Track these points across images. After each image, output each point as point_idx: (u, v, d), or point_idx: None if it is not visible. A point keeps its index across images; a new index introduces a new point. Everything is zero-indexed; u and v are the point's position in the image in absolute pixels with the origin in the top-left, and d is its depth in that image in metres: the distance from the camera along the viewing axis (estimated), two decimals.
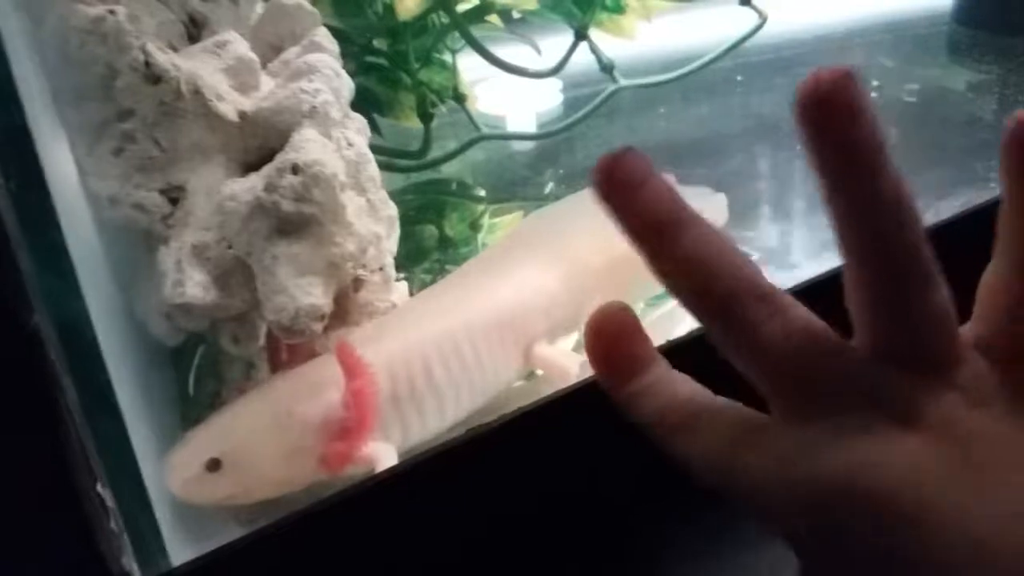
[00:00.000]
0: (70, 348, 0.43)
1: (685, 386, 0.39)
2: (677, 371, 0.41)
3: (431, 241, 0.93)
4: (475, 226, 0.94)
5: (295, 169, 0.52)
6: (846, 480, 0.32)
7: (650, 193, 0.36)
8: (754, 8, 0.97)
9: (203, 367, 0.68)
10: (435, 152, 0.97)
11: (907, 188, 0.33)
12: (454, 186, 1.01)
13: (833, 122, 0.32)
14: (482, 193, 1.01)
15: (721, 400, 0.38)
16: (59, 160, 0.53)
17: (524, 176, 1.04)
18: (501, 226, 0.96)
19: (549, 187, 1.00)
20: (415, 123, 0.94)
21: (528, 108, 1.08)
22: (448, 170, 1.01)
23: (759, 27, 0.96)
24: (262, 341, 0.61)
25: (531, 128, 1.07)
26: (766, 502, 0.34)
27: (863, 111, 0.32)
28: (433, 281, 0.86)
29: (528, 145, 1.07)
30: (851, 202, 0.33)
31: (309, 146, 0.53)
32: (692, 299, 0.36)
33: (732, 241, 0.36)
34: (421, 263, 0.88)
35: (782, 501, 0.34)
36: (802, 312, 0.35)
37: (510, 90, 1.06)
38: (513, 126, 1.08)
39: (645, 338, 0.41)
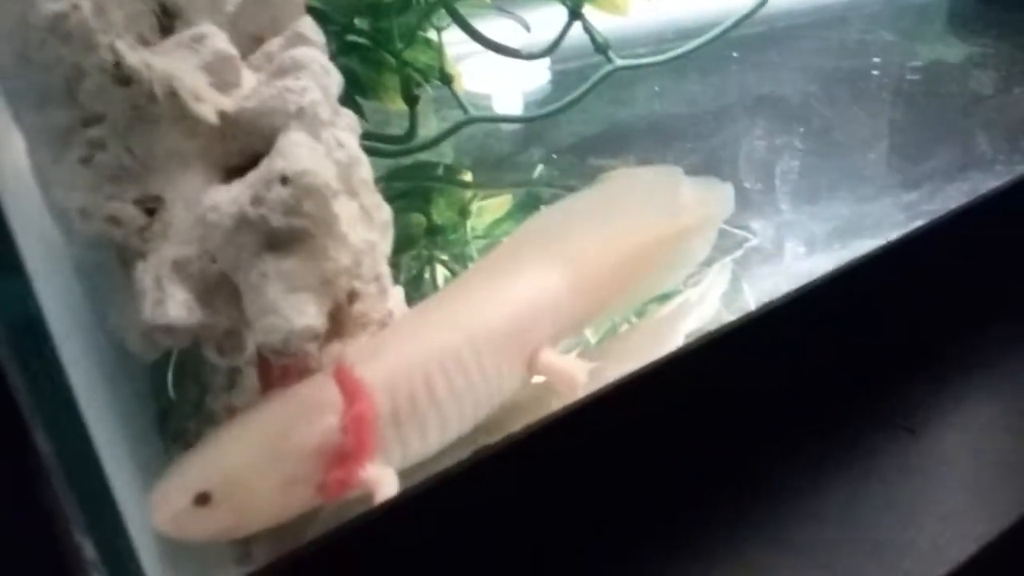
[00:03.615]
0: (36, 385, 0.39)
1: None
2: None
3: (418, 229, 0.89)
4: (463, 213, 0.91)
5: (284, 179, 0.48)
6: None
7: None
8: None
9: (183, 369, 0.64)
10: (418, 131, 0.93)
11: None
12: (440, 170, 0.97)
13: None
14: (468, 177, 0.97)
15: None
16: (12, 168, 0.48)
17: (510, 154, 1.00)
18: (489, 209, 0.92)
19: (538, 170, 0.96)
20: (399, 106, 0.90)
21: (515, 85, 1.03)
22: (431, 151, 0.96)
23: (761, 5, 0.92)
24: (250, 351, 0.58)
25: (518, 106, 1.03)
26: None
27: None
28: (421, 270, 0.83)
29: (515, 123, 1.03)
30: None
31: (298, 152, 0.49)
32: None
33: None
34: (408, 251, 0.85)
35: None
36: None
37: (495, 66, 1.01)
38: (499, 104, 1.04)
39: None
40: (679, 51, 0.95)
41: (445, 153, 0.98)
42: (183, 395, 0.63)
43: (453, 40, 0.92)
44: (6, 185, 0.39)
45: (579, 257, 0.63)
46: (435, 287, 0.80)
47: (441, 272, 0.83)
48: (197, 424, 0.59)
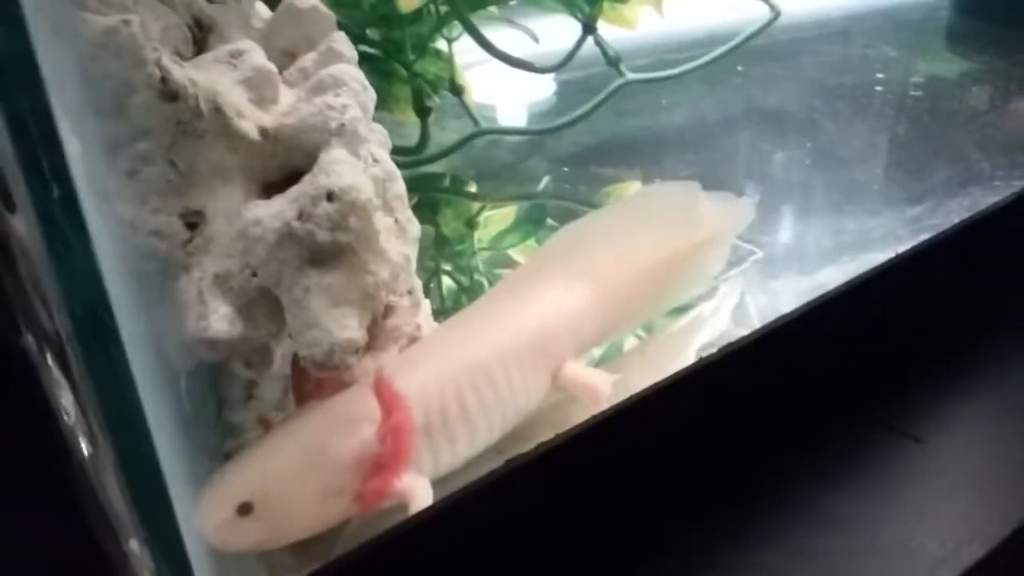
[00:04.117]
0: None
1: None
2: None
3: (426, 240, 0.90)
4: (470, 224, 0.92)
5: (330, 196, 0.49)
6: None
7: None
8: (768, 2, 0.94)
9: (195, 378, 0.65)
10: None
11: None
12: (447, 181, 0.98)
13: None
14: (474, 188, 0.98)
15: None
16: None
17: (515, 165, 1.01)
18: (495, 221, 0.93)
19: (544, 181, 0.97)
20: (408, 117, 0.91)
21: (520, 96, 1.05)
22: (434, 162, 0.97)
23: (772, 20, 0.93)
24: (275, 366, 0.58)
25: (523, 117, 1.04)
26: None
27: None
28: (428, 281, 0.84)
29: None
30: None
31: (341, 169, 0.50)
32: None
33: None
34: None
35: None
36: None
37: (500, 75, 1.02)
38: (504, 114, 1.05)
39: None
40: (690, 66, 0.96)
41: (447, 163, 0.99)
42: (200, 406, 0.64)
43: (457, 50, 0.93)
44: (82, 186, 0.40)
45: (601, 273, 0.65)
46: (442, 298, 0.81)
47: (447, 283, 0.84)
48: (219, 436, 0.60)
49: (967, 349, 0.80)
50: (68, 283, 0.38)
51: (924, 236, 0.76)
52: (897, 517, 0.66)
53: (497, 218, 0.93)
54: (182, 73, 0.49)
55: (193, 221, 0.51)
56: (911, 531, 0.65)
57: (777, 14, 0.95)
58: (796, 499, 0.67)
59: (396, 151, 0.91)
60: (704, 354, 0.65)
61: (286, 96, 0.55)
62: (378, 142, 0.57)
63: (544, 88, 1.06)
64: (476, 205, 0.95)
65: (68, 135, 0.48)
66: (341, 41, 0.57)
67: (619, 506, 0.61)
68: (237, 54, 0.53)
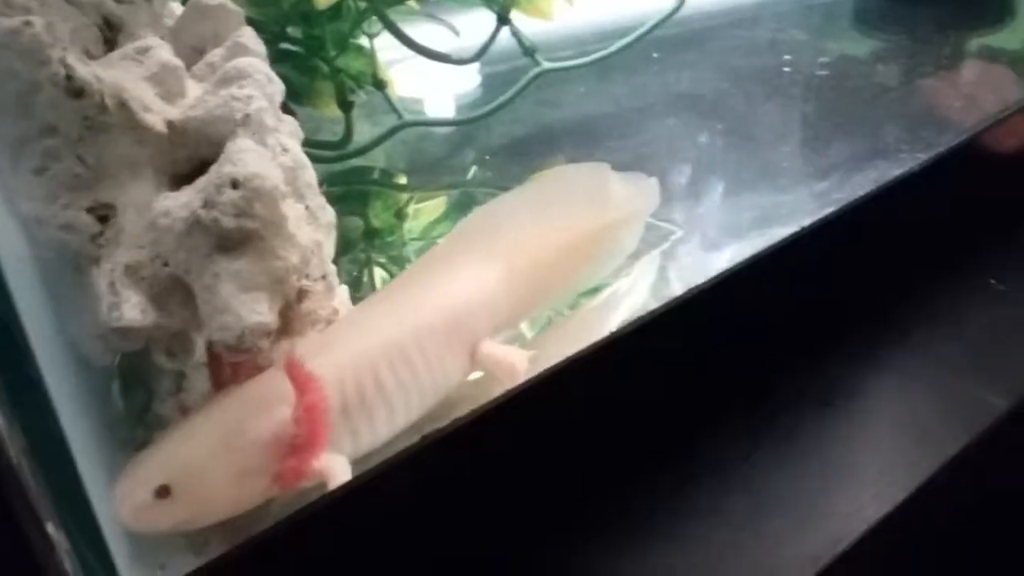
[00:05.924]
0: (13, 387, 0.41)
1: None
2: None
3: (356, 233, 0.91)
4: (400, 215, 0.93)
5: (234, 184, 0.50)
6: None
7: None
8: None
9: (128, 375, 0.66)
10: (352, 136, 0.95)
11: None
12: (375, 174, 1.00)
13: None
14: (404, 180, 1.00)
15: None
16: None
17: (443, 157, 1.03)
18: (425, 212, 0.95)
19: (472, 171, 1.00)
20: (333, 112, 0.92)
21: (446, 89, 1.06)
22: (364, 155, 0.99)
23: (676, 9, 0.97)
24: (198, 355, 0.60)
25: (450, 110, 1.06)
26: None
27: None
28: (360, 272, 0.85)
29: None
30: None
31: (246, 157, 0.51)
32: None
33: None
34: (347, 255, 0.87)
35: None
36: None
37: (427, 71, 1.04)
38: (431, 108, 1.07)
39: None
40: (603, 53, 0.99)
41: (378, 157, 1.00)
42: (131, 401, 0.65)
43: (383, 46, 0.95)
44: None
45: (514, 252, 0.66)
46: (374, 289, 0.82)
47: (380, 274, 0.85)
48: (147, 429, 0.61)
49: (874, 319, 0.83)
50: None
51: (830, 209, 0.79)
52: (812, 478, 0.69)
53: (427, 209, 0.95)
54: (87, 70, 0.50)
55: (104, 214, 0.52)
56: (825, 491, 0.68)
57: (681, 2, 0.98)
58: (716, 464, 0.70)
59: (323, 145, 0.94)
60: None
61: (193, 90, 0.56)
62: (288, 132, 0.58)
63: (470, 81, 1.08)
64: (406, 196, 0.97)
65: None
66: (248, 36, 0.59)
67: (536, 478, 0.63)
68: (143, 51, 0.55)
